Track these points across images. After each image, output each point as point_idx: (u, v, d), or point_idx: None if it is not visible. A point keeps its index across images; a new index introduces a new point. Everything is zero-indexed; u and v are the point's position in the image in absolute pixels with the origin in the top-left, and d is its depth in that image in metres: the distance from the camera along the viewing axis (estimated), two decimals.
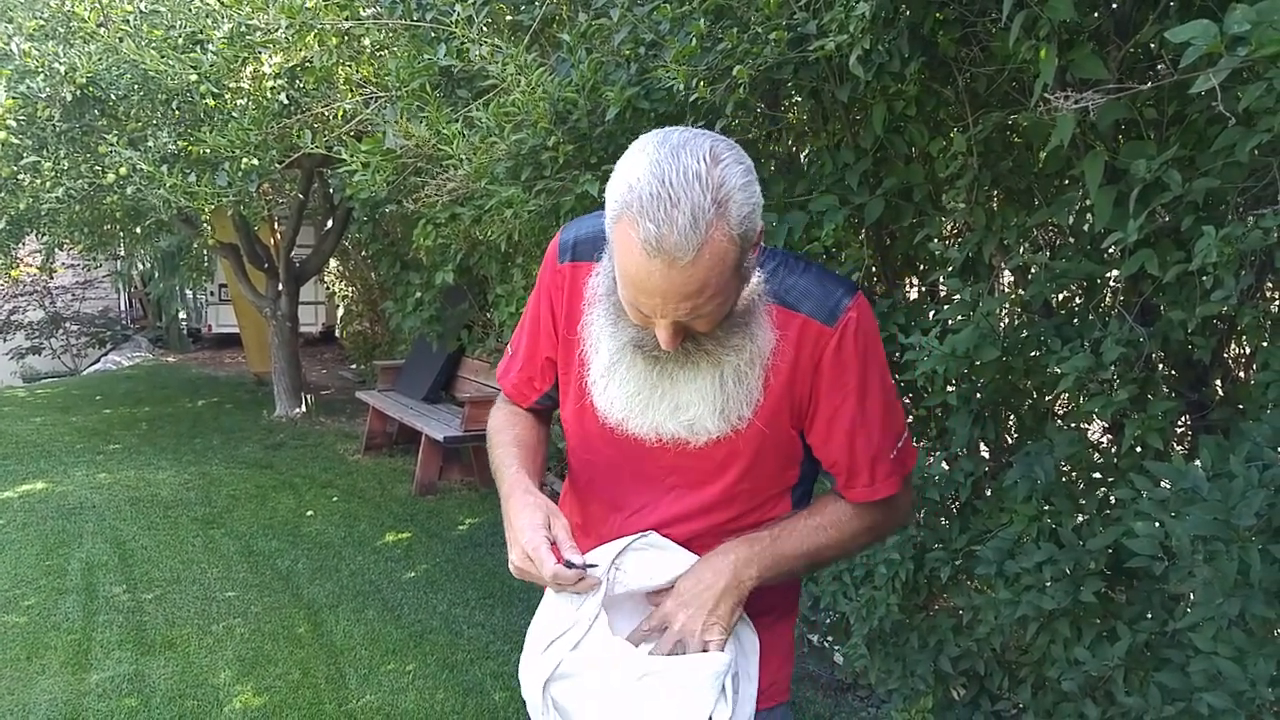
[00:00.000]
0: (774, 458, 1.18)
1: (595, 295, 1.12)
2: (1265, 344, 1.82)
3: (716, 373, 1.07)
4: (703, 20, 1.95)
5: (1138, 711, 1.79)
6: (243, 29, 3.47)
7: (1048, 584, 1.91)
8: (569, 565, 1.06)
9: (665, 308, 0.96)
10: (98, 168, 4.45)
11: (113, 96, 4.29)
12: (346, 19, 2.93)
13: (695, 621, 1.09)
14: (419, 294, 5.66)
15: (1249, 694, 1.47)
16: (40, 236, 6.30)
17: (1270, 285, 1.97)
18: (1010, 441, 2.43)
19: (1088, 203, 1.95)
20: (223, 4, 3.59)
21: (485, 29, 2.47)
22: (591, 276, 1.14)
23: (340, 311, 10.55)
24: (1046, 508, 2.01)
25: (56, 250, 6.82)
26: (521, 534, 1.08)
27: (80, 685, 3.07)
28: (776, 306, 1.10)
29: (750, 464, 1.17)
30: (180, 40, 3.97)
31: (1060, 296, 2.30)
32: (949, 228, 2.46)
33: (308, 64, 3.81)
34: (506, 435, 1.27)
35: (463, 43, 2.45)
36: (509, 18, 2.74)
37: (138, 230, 6.95)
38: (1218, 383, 2.17)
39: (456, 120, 2.50)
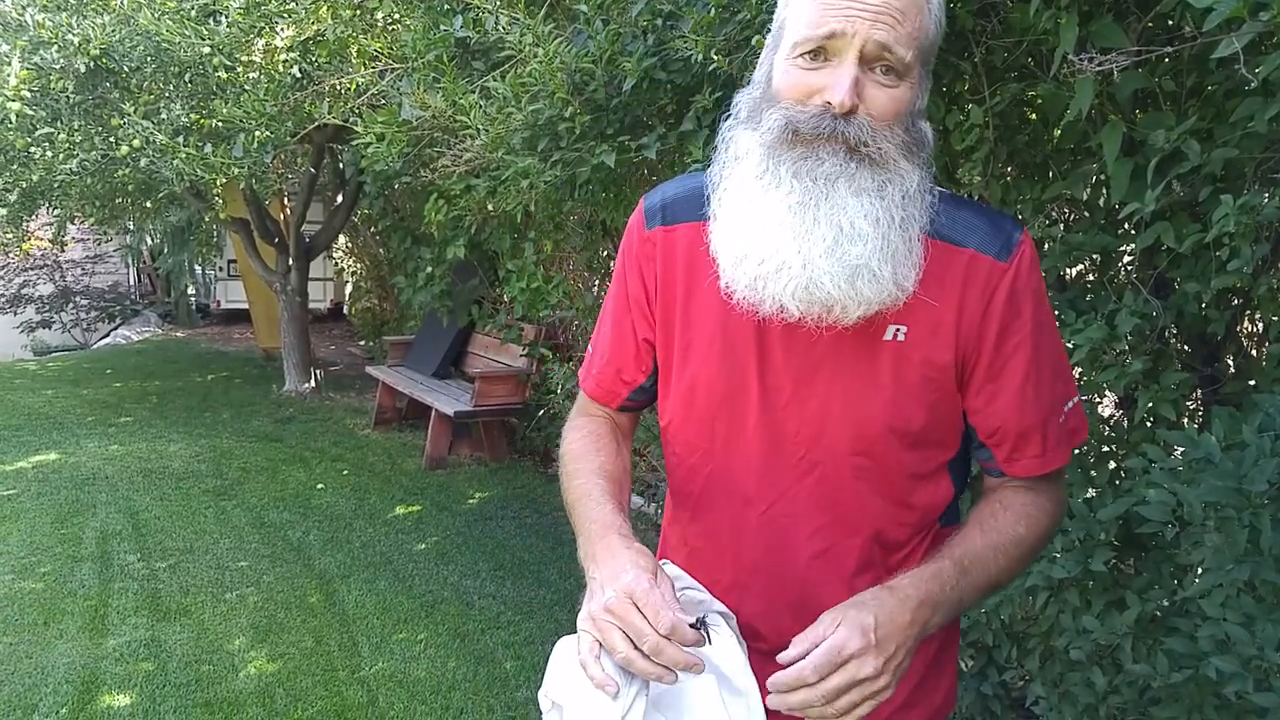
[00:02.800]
0: (928, 396, 0.98)
1: (737, 119, 0.97)
2: (1277, 318, 1.83)
3: (888, 193, 0.89)
4: None
5: (1145, 679, 1.82)
6: (258, 1, 3.47)
7: (1058, 554, 1.93)
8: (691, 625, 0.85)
9: (863, 22, 0.84)
10: (111, 140, 4.46)
11: (126, 68, 4.29)
12: None
13: (870, 666, 0.82)
14: (430, 269, 5.68)
15: (1257, 659, 1.49)
16: (52, 209, 6.32)
17: None
18: None
19: (1104, 176, 1.95)
20: None
21: (501, 0, 2.47)
22: (706, 234, 0.99)
23: (349, 288, 10.57)
24: None
25: (68, 224, 6.85)
26: (621, 575, 0.87)
27: (97, 650, 3.12)
28: (936, 241, 0.94)
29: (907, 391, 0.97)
30: (194, 12, 3.98)
31: (1075, 270, 2.31)
32: None
33: (321, 37, 3.82)
34: (587, 464, 1.07)
35: (479, 14, 2.45)
36: None
37: (148, 204, 6.97)
38: (1230, 358, 2.18)
39: (473, 91, 2.50)
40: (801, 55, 0.89)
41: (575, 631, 0.90)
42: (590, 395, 1.17)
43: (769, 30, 0.99)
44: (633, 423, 1.19)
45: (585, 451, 1.10)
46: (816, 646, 0.82)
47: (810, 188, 0.88)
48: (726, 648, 0.95)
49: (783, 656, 0.84)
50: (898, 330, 0.96)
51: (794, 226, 0.88)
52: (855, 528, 1.03)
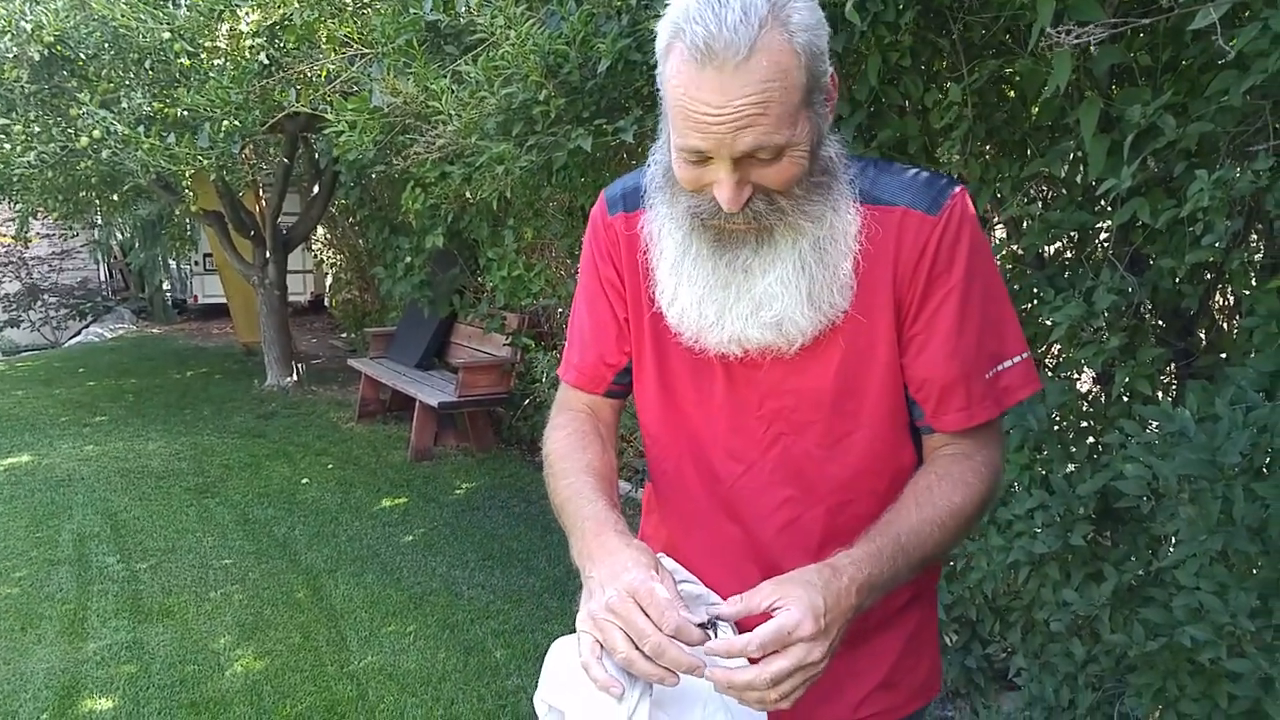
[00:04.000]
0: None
1: (653, 185, 1.01)
2: (1249, 292, 1.85)
3: (796, 251, 0.94)
4: None
5: (1122, 648, 1.84)
6: None
7: (1039, 529, 1.95)
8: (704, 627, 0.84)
9: (724, 136, 0.85)
10: (70, 131, 4.36)
11: (82, 56, 4.19)
12: None
13: (818, 651, 0.82)
14: (409, 259, 5.64)
15: (1229, 626, 1.52)
16: (13, 205, 6.19)
17: (1255, 237, 2.00)
18: None
19: (1081, 153, 1.96)
20: None
21: None
22: (647, 212, 1.04)
23: (329, 280, 10.48)
24: (1038, 456, 2.05)
25: (31, 219, 6.71)
26: (622, 574, 0.85)
27: (78, 654, 3.09)
28: (870, 206, 0.98)
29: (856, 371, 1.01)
30: None
31: (1053, 248, 2.32)
32: None
33: (287, 21, 3.75)
34: (574, 462, 1.06)
35: None
36: None
37: (114, 197, 6.85)
38: (1203, 333, 2.21)
39: (445, 76, 2.48)
40: (683, 156, 0.91)
41: (566, 618, 0.88)
42: (574, 385, 1.16)
43: None
44: (616, 414, 1.18)
45: (571, 450, 1.08)
46: (752, 612, 0.84)
47: (728, 275, 0.96)
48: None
49: (718, 611, 0.86)
50: (793, 348, 1.00)
51: (717, 304, 0.98)
52: (820, 497, 1.05)
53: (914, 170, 1.02)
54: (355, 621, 3.30)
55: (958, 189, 1.00)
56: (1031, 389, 1.04)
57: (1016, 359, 1.03)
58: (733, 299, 0.96)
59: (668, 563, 0.98)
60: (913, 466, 1.06)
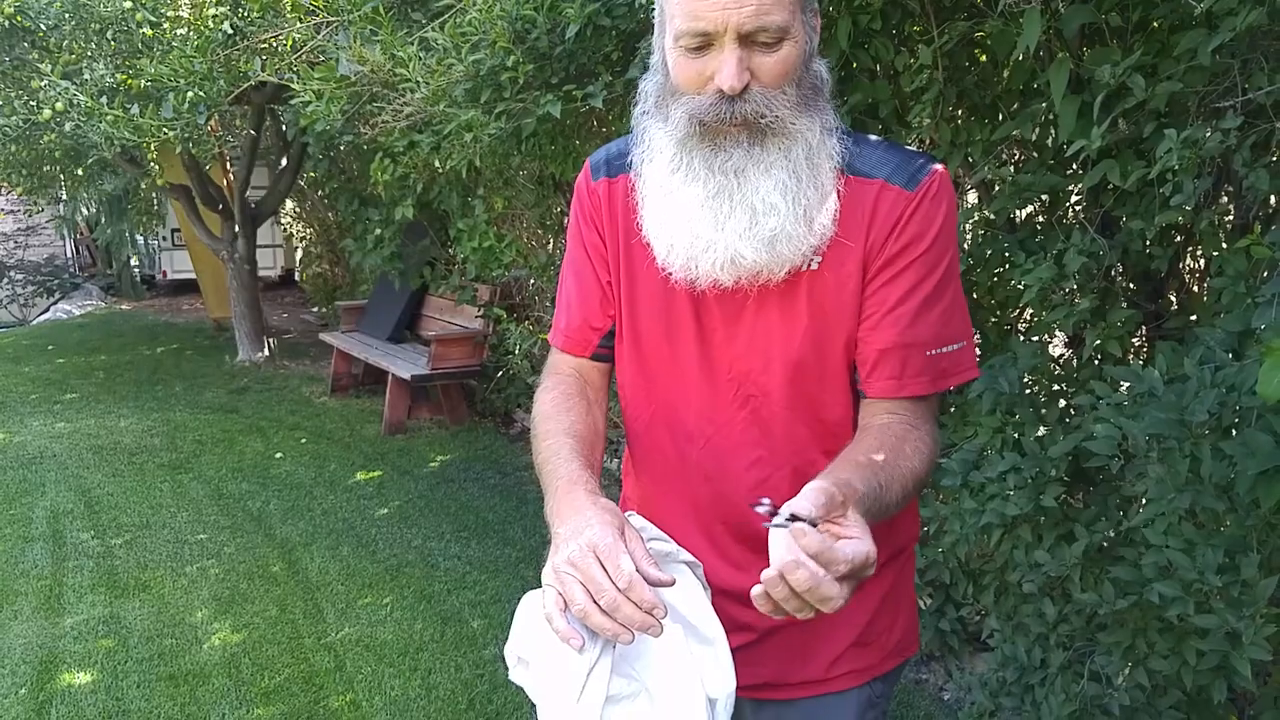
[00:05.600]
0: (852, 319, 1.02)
1: (643, 113, 1.02)
2: (1218, 253, 1.86)
3: (789, 161, 0.95)
4: None
5: (1093, 606, 1.87)
6: None
7: (1011, 492, 1.96)
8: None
9: (727, 6, 0.87)
10: (32, 103, 4.26)
11: (43, 27, 4.09)
12: None
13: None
14: (379, 231, 5.56)
15: (1197, 583, 1.54)
16: None
17: (1225, 198, 2.01)
18: (975, 356, 2.47)
19: (1052, 116, 1.96)
20: None
21: None
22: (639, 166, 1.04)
23: (299, 254, 10.34)
24: (1010, 419, 2.06)
25: None
26: (585, 530, 0.86)
27: (55, 629, 3.06)
28: (849, 176, 1.00)
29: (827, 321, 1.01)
30: None
31: (1024, 212, 2.32)
32: (914, 143, 2.46)
33: None
34: (556, 424, 1.07)
35: None
36: None
37: (79, 171, 6.70)
38: (1173, 294, 2.23)
39: (412, 43, 2.43)
40: (684, 47, 0.93)
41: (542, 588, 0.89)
42: (562, 349, 1.18)
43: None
44: (604, 377, 1.19)
45: (555, 412, 1.09)
46: (828, 517, 0.80)
47: (722, 181, 0.95)
48: (692, 597, 0.95)
49: (796, 508, 0.79)
50: (811, 260, 1.00)
51: (712, 215, 0.96)
52: (787, 457, 1.07)
53: (894, 147, 1.05)
54: (331, 594, 3.29)
55: (936, 167, 1.02)
56: (969, 375, 1.06)
57: (960, 344, 1.05)
58: (727, 210, 0.95)
59: (637, 520, 0.99)
60: None
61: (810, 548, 0.76)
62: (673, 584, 0.87)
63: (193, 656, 2.88)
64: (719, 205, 0.95)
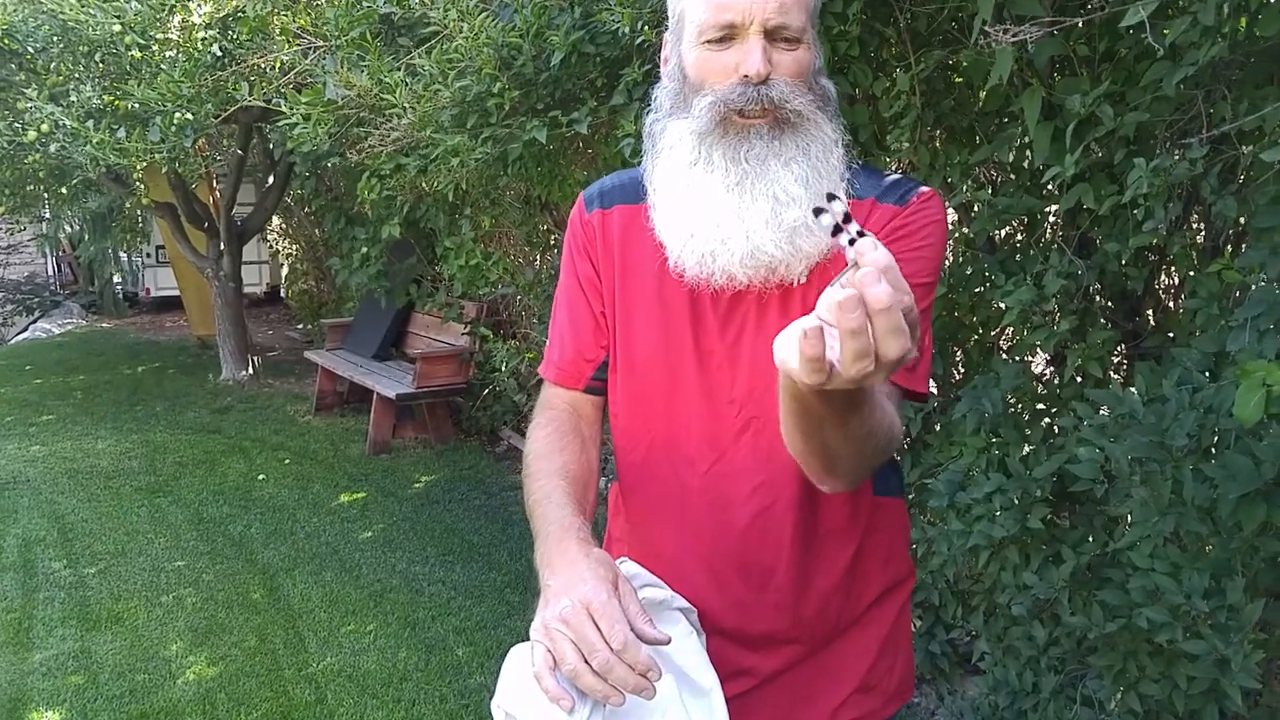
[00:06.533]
0: None
1: (662, 113, 1.03)
2: (1192, 274, 1.89)
3: (807, 156, 0.97)
4: None
5: (1082, 630, 1.88)
6: None
7: (997, 513, 1.98)
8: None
9: (755, 1, 0.93)
10: (17, 125, 4.24)
11: (30, 49, 4.08)
12: None
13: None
14: (365, 249, 5.56)
15: (1184, 607, 1.55)
16: None
17: (1196, 218, 2.04)
18: (958, 377, 2.49)
19: (1027, 139, 1.99)
20: None
21: None
22: (645, 211, 1.05)
23: (285, 270, 10.30)
24: (994, 439, 2.08)
25: None
26: (578, 585, 0.84)
27: (23, 664, 3.00)
28: None
29: None
30: None
31: (1003, 233, 2.35)
32: (894, 167, 2.48)
33: (240, 13, 3.67)
34: (549, 464, 1.05)
35: None
36: None
37: (63, 190, 6.67)
38: (1149, 312, 2.26)
39: (398, 69, 2.44)
40: (708, 41, 0.97)
41: (529, 613, 0.87)
42: (555, 381, 1.17)
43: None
44: (598, 411, 1.17)
45: (548, 451, 1.08)
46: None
47: (745, 169, 0.96)
48: (687, 646, 0.94)
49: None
50: (801, 275, 1.01)
51: (733, 204, 0.96)
52: (788, 482, 1.05)
53: (886, 174, 1.08)
54: (313, 622, 3.26)
55: (927, 190, 1.05)
56: (919, 388, 1.03)
57: (917, 354, 1.01)
58: (749, 200, 0.95)
59: (629, 568, 0.98)
60: None
61: (882, 261, 0.65)
62: (668, 643, 0.85)
63: (165, 693, 2.82)
64: (741, 194, 0.96)
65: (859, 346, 0.65)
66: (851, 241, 0.67)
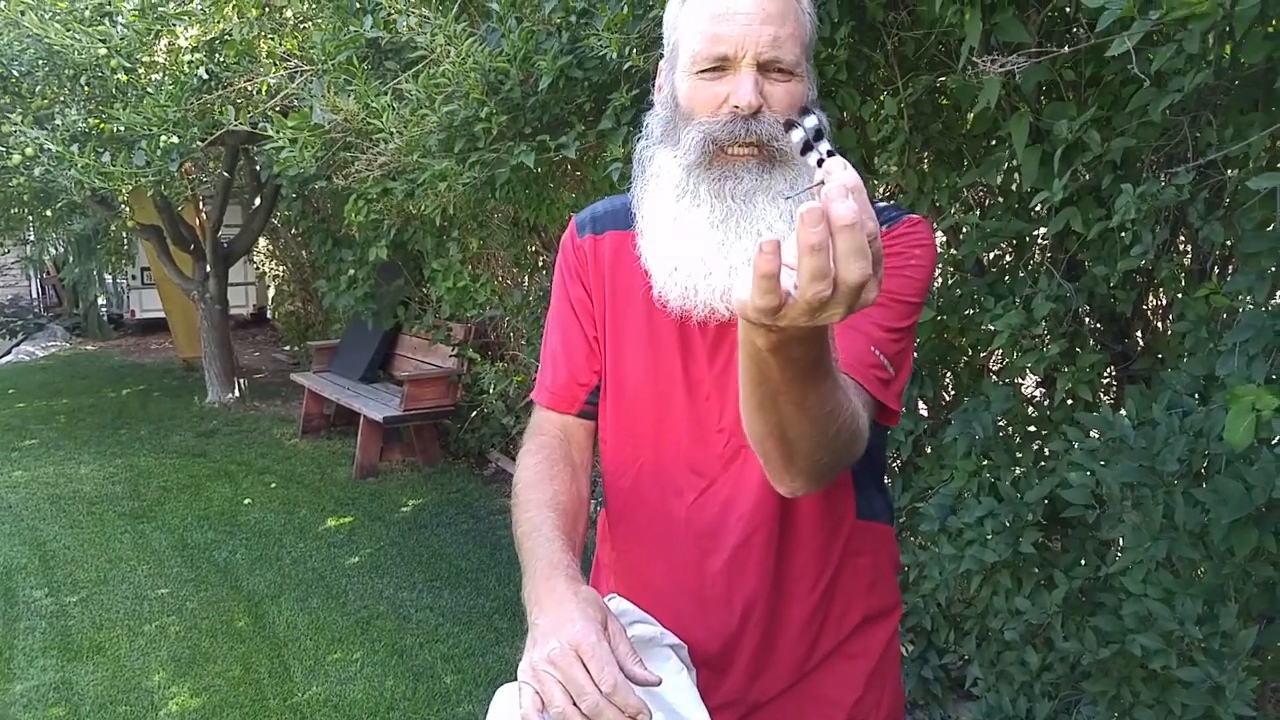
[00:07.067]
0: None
1: (652, 141, 1.02)
2: (1180, 296, 1.90)
3: (793, 187, 0.95)
4: None
5: (1075, 655, 1.87)
6: (154, 1, 3.31)
7: (989, 537, 1.97)
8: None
9: (750, 29, 0.92)
10: (1, 149, 4.22)
11: (15, 73, 4.06)
12: None
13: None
14: (352, 271, 5.53)
15: (1178, 633, 1.54)
16: None
17: (1183, 240, 2.05)
18: (948, 399, 2.49)
19: (1015, 163, 2.00)
20: None
21: None
22: (633, 238, 1.04)
23: (271, 292, 10.25)
24: (985, 462, 2.07)
25: None
26: (567, 625, 0.82)
27: (3, 696, 2.94)
28: None
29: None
30: (87, 13, 3.77)
31: (991, 255, 2.36)
32: (883, 190, 2.49)
33: (227, 37, 3.66)
34: (537, 494, 1.03)
35: (389, 14, 2.38)
36: None
37: (48, 213, 6.63)
38: (1138, 334, 2.26)
39: (385, 93, 2.43)
40: (701, 71, 0.96)
41: (517, 640, 0.85)
42: (547, 406, 1.15)
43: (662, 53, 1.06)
44: (589, 436, 1.15)
45: (537, 480, 1.05)
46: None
47: (730, 206, 0.95)
48: (677, 683, 0.92)
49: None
50: None
51: (718, 240, 0.95)
52: (772, 510, 1.04)
53: (879, 202, 1.06)
54: (299, 650, 3.21)
55: (914, 216, 1.04)
56: (892, 406, 1.00)
57: (894, 376, 0.99)
58: (734, 236, 0.94)
59: (618, 605, 0.96)
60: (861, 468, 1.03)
61: (850, 180, 0.62)
62: (659, 684, 0.83)
63: None
64: (725, 231, 0.95)
65: (817, 265, 0.61)
66: (820, 162, 0.65)
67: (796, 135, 0.68)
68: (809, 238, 0.61)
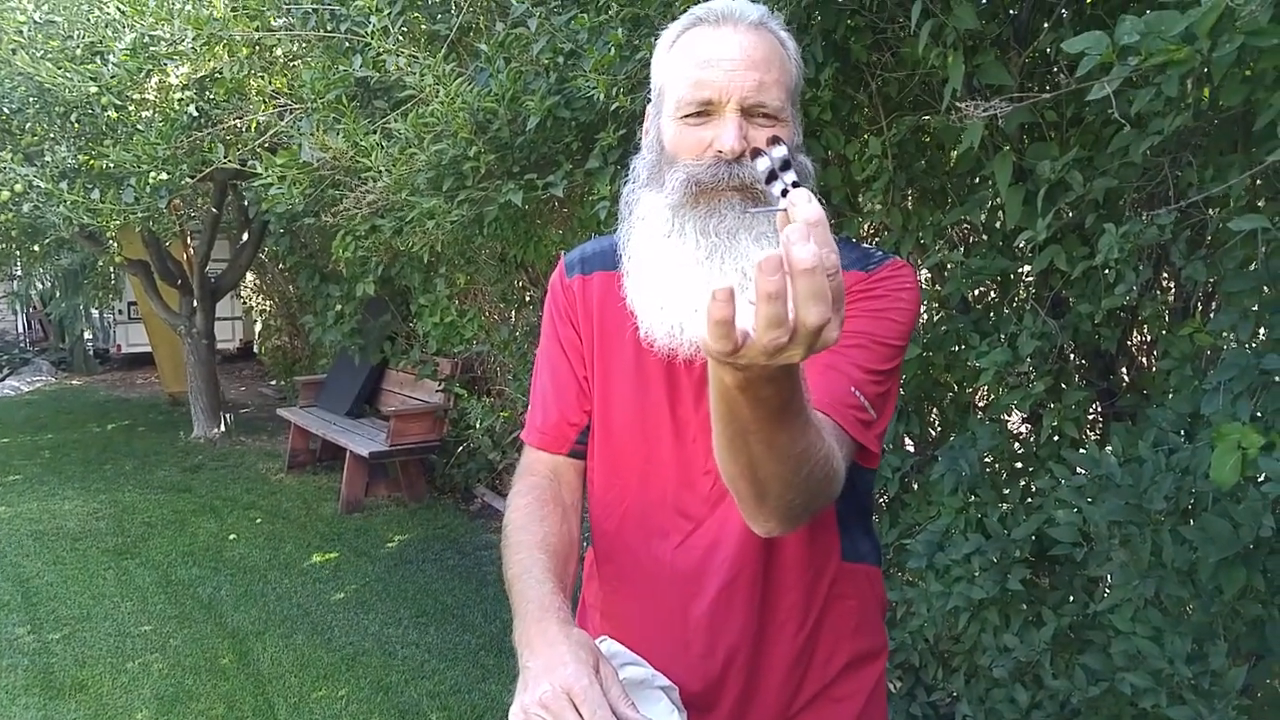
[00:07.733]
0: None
1: (638, 184, 1.03)
2: (1165, 333, 1.92)
3: (776, 227, 0.89)
4: (620, 29, 1.95)
5: (1064, 694, 1.86)
6: (146, 40, 3.33)
7: (976, 574, 1.96)
8: None
9: (735, 74, 0.94)
10: None
11: (6, 110, 4.07)
12: (257, 29, 2.84)
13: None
14: (339, 306, 5.53)
15: (1168, 671, 1.54)
16: None
17: (1166, 277, 2.08)
18: (934, 435, 2.49)
19: (999, 201, 2.02)
20: (124, 14, 3.45)
21: (401, 39, 2.43)
22: (621, 278, 1.04)
23: (258, 327, 10.22)
24: (972, 499, 2.07)
25: None
26: (559, 669, 0.82)
27: None
28: None
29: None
30: (79, 51, 3.79)
31: (976, 292, 2.38)
32: (867, 228, 2.51)
33: (217, 75, 3.68)
34: (528, 535, 1.03)
35: (379, 53, 2.40)
36: (425, 27, 2.69)
37: (36, 248, 6.62)
38: (1123, 371, 2.28)
39: (374, 131, 2.45)
40: (686, 116, 0.98)
41: (504, 676, 0.85)
42: (538, 446, 1.15)
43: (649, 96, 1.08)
44: (580, 476, 1.15)
45: (527, 522, 1.05)
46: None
47: (715, 242, 0.95)
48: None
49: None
50: None
51: (703, 276, 0.95)
52: (755, 553, 1.04)
53: (856, 245, 1.09)
54: (284, 687, 3.16)
55: (896, 260, 1.05)
56: (873, 448, 0.99)
57: (872, 410, 0.99)
58: (719, 272, 0.93)
59: (610, 646, 0.96)
60: (844, 508, 1.05)
61: (813, 215, 0.62)
62: None
63: None
64: (710, 267, 0.95)
65: (774, 312, 0.61)
66: (784, 192, 0.66)
67: (762, 164, 0.69)
68: (766, 285, 0.61)
